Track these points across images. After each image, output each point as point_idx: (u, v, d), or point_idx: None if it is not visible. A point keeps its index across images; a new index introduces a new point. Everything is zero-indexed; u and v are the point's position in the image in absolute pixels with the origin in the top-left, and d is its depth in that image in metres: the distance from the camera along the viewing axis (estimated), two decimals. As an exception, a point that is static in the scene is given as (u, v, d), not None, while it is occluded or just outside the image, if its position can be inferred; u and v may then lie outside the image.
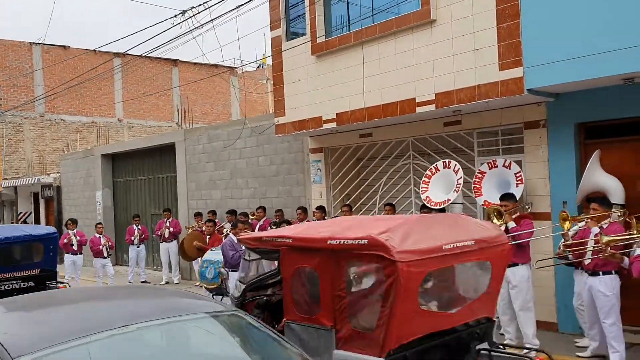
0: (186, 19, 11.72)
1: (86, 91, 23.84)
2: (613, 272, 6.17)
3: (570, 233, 6.61)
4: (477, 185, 7.95)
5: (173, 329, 2.99)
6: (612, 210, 6.44)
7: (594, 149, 7.13)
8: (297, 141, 11.51)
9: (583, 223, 6.54)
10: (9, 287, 8.86)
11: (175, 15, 11.32)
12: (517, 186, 7.51)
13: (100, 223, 14.17)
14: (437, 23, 7.79)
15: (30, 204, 22.92)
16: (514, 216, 6.91)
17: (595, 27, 6.36)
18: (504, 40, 7.12)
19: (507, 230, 6.82)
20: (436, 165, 8.38)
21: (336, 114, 9.26)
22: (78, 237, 12.83)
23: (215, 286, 8.77)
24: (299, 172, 11.58)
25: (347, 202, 10.46)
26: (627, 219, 6.46)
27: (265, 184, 12.31)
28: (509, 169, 7.68)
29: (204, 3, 10.77)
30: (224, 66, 25.49)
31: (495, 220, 6.88)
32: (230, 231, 9.48)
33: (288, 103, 10.16)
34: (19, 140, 23.33)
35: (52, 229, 9.72)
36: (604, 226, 6.23)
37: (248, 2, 11.10)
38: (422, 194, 8.37)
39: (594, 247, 6.12)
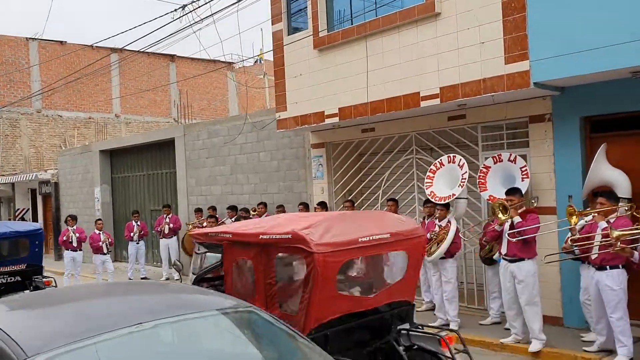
0: (186, 14, 11.65)
1: (83, 87, 23.71)
2: (620, 266, 6.15)
3: (577, 227, 6.58)
4: (482, 180, 7.90)
5: (190, 326, 2.92)
6: (619, 204, 6.41)
7: (599, 142, 7.08)
8: (298, 136, 11.45)
9: (590, 217, 6.51)
10: None
11: (175, 10, 11.24)
12: (522, 180, 7.47)
13: (99, 219, 14.08)
14: (442, 16, 7.73)
15: (27, 200, 22.80)
16: (520, 211, 6.86)
17: (603, 20, 6.30)
18: (510, 34, 7.06)
19: (512, 225, 6.80)
20: (441, 160, 8.34)
21: (338, 108, 9.20)
22: (77, 234, 12.74)
23: None
24: (300, 168, 11.52)
25: (349, 198, 10.41)
26: (634, 213, 6.44)
27: (266, 180, 12.25)
28: (515, 163, 7.64)
29: (204, -3, 10.67)
30: (222, 62, 25.39)
31: (500, 215, 6.85)
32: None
33: (289, 98, 10.10)
34: (15, 136, 23.20)
35: (37, 226, 10.25)
36: (611, 220, 6.20)
37: (248, -4, 11.01)
38: (426, 189, 8.33)
39: (602, 242, 6.08)
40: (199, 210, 13.24)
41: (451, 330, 5.23)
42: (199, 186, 14.04)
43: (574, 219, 6.38)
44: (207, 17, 11.84)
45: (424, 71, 7.95)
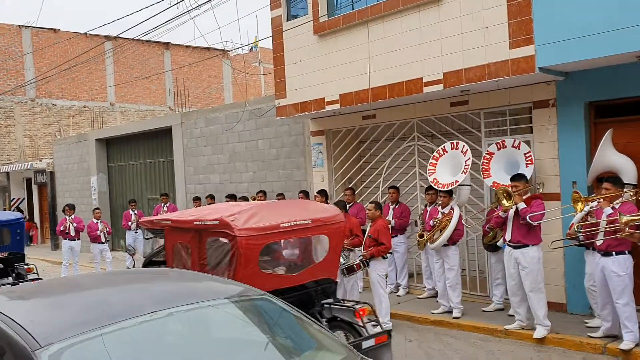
0: (182, 0, 11.48)
1: (77, 75, 23.45)
2: (626, 252, 6.12)
3: (581, 214, 6.54)
4: (486, 167, 7.84)
5: (204, 314, 2.86)
6: (625, 189, 6.37)
7: (604, 128, 7.03)
8: (298, 124, 11.35)
9: (595, 203, 6.47)
10: None
11: (172, -5, 11.08)
12: (527, 166, 7.42)
13: (97, 208, 13.96)
14: (445, 1, 7.63)
15: (23, 190, 22.64)
16: (524, 197, 6.81)
17: (609, 4, 6.23)
18: (515, 18, 6.97)
19: (517, 212, 6.75)
20: (444, 146, 8.27)
21: (339, 95, 9.11)
22: (75, 224, 12.65)
23: None
24: (300, 156, 11.43)
25: (350, 186, 10.34)
26: (639, 199, 6.41)
27: (265, 168, 12.16)
28: (519, 149, 7.58)
29: (202, -18, 10.51)
30: (216, 49, 25.18)
31: (504, 202, 6.79)
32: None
33: (289, 84, 9.98)
34: (9, 125, 22.96)
35: (18, 215, 10.57)
36: (616, 206, 6.17)
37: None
38: (429, 175, 8.27)
39: (609, 227, 6.05)
40: (197, 199, 13.15)
41: (365, 304, 5.72)
42: (197, 174, 13.94)
43: (579, 205, 6.33)
44: (204, 2, 11.67)
45: (427, 56, 7.86)
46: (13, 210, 21.49)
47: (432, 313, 8.06)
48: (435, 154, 8.36)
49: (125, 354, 2.54)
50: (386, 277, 7.98)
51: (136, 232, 14.18)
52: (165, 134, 15.09)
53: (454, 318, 7.74)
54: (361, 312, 5.37)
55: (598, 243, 6.26)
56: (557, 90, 7.47)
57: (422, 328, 7.75)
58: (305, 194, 10.71)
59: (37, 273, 9.87)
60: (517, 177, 6.95)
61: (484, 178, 7.94)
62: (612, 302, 6.23)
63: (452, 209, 7.94)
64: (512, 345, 6.79)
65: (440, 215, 8.01)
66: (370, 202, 8.08)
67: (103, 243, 12.91)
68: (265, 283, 4.83)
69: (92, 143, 17.86)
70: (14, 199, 22.64)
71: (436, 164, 8.20)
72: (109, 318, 2.59)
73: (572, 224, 6.79)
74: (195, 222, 5.44)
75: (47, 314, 2.74)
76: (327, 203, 10.12)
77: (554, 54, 6.71)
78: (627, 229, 5.72)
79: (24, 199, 22.66)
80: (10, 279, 9.73)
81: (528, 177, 7.19)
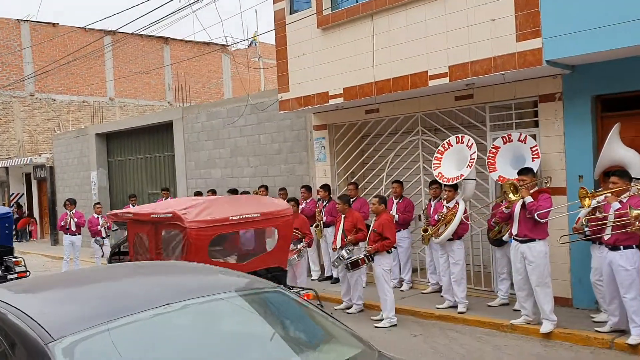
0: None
1: (76, 70, 23.33)
2: (634, 246, 6.08)
3: (587, 208, 6.48)
4: (492, 161, 7.79)
5: (217, 307, 2.81)
6: (632, 183, 6.32)
7: (611, 122, 6.98)
8: (300, 118, 11.28)
9: (602, 198, 6.42)
10: None
11: (174, -11, 10.98)
12: (533, 160, 7.36)
13: (98, 203, 13.91)
14: (451, -7, 7.55)
15: (22, 185, 22.54)
16: (532, 191, 6.76)
17: (618, -4, 6.17)
18: (522, 10, 6.91)
19: (524, 206, 6.70)
20: (449, 140, 8.22)
21: (343, 89, 9.04)
22: (76, 218, 12.59)
23: None
24: (302, 150, 11.37)
25: (353, 181, 10.29)
26: (646, 193, 6.36)
27: (267, 163, 12.10)
28: (525, 143, 7.52)
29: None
30: (216, 44, 25.05)
31: (511, 196, 6.75)
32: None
33: (292, 78, 9.91)
34: (8, 120, 22.86)
35: (7, 209, 11.13)
36: (624, 200, 6.13)
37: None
38: (434, 169, 8.22)
39: (618, 222, 6.00)
40: (199, 194, 13.07)
41: (310, 289, 6.33)
42: (199, 169, 13.87)
43: (586, 201, 6.27)
44: (206, -4, 11.56)
45: (432, 49, 7.79)
46: (12, 206, 21.43)
47: (437, 308, 8.02)
48: (440, 147, 8.31)
49: (138, 346, 2.49)
50: (390, 272, 7.94)
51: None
52: (166, 128, 15.02)
53: (459, 313, 7.71)
54: (305, 297, 5.66)
55: (606, 237, 6.22)
56: (564, 83, 7.42)
57: (427, 323, 7.72)
58: (308, 189, 10.66)
59: (24, 266, 10.22)
60: (525, 171, 6.90)
61: (489, 172, 7.89)
62: (619, 297, 6.20)
63: (457, 203, 7.89)
64: (518, 340, 6.76)
65: (445, 210, 7.97)
66: (374, 197, 8.04)
67: (104, 238, 12.85)
68: None
69: (92, 138, 17.77)
70: (13, 194, 22.55)
71: (441, 157, 8.15)
72: (123, 311, 2.54)
73: (579, 218, 6.75)
74: (152, 215, 6.04)
75: (59, 307, 2.68)
76: (331, 198, 10.12)
77: (561, 46, 6.65)
78: (638, 222, 5.67)
79: (23, 194, 22.57)
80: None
81: (535, 171, 7.14)
